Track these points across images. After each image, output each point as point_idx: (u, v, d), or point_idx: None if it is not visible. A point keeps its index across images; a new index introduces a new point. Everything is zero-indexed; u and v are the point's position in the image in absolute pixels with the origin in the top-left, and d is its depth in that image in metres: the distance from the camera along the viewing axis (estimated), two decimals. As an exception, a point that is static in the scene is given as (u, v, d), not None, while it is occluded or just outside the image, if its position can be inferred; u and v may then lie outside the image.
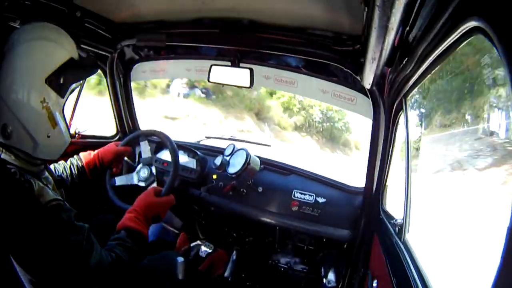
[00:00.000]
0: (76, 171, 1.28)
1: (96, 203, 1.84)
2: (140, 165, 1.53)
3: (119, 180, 1.50)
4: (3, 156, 0.82)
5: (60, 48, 0.86)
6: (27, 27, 0.85)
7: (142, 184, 1.50)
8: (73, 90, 0.93)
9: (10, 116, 0.79)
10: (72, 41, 0.90)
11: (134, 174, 1.52)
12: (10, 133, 0.80)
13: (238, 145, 1.79)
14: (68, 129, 0.94)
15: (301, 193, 1.63)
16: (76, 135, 1.77)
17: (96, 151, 1.38)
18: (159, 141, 1.80)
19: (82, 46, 1.55)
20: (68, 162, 1.29)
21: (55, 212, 0.78)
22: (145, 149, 1.53)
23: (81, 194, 1.29)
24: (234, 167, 1.66)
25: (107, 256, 0.85)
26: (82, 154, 1.34)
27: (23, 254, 0.75)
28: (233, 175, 1.64)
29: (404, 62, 0.93)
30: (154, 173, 1.52)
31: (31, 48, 0.82)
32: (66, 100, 0.91)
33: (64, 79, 0.86)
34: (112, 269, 0.84)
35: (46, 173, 0.94)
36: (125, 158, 1.56)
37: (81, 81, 0.94)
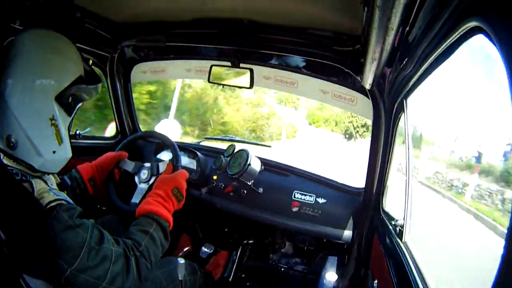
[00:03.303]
0: (77, 187, 1.26)
1: (97, 204, 1.84)
2: (136, 178, 1.51)
3: (136, 198, 1.46)
4: (5, 161, 0.81)
5: (71, 65, 0.86)
6: (37, 33, 0.84)
7: (151, 181, 1.46)
8: (78, 109, 0.92)
9: (17, 128, 0.78)
10: (79, 55, 0.90)
11: (140, 185, 1.48)
12: (15, 144, 0.79)
13: (239, 146, 1.79)
14: (70, 144, 0.93)
15: (302, 194, 1.63)
16: (77, 136, 1.77)
17: (93, 163, 1.34)
18: (159, 142, 1.81)
19: (81, 46, 1.56)
20: (67, 178, 1.25)
21: (55, 213, 0.77)
22: (126, 164, 1.49)
23: (82, 196, 1.29)
24: (235, 168, 1.66)
25: (119, 246, 0.84)
26: (80, 168, 1.30)
27: (24, 255, 0.74)
28: (234, 176, 1.64)
29: (404, 62, 0.93)
30: (151, 166, 1.50)
31: (45, 60, 0.81)
32: (72, 118, 0.91)
33: (72, 98, 0.86)
34: (126, 256, 0.84)
35: (48, 176, 0.94)
36: (125, 164, 1.51)
37: (86, 100, 0.93)
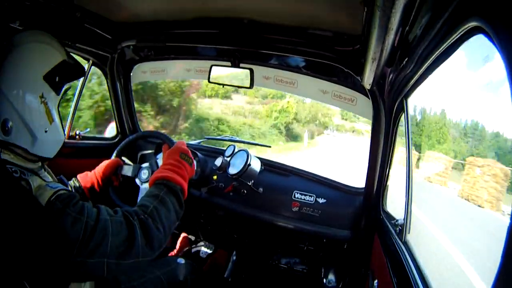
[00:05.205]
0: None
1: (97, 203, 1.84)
2: (137, 180, 1.51)
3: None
4: (3, 156, 0.82)
5: (55, 51, 0.94)
6: (26, 32, 0.91)
7: None
8: (66, 90, 1.00)
9: (11, 111, 0.83)
10: (63, 47, 0.97)
11: (142, 186, 1.48)
12: (10, 129, 0.83)
13: (239, 146, 1.79)
14: (63, 128, 0.98)
15: (302, 194, 1.63)
16: (77, 136, 1.77)
17: (92, 172, 1.35)
18: (159, 142, 1.81)
19: (81, 46, 1.56)
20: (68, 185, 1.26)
21: (53, 205, 0.77)
22: (125, 170, 1.48)
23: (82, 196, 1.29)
24: (235, 167, 1.66)
25: (118, 215, 0.82)
26: (79, 176, 1.31)
27: (23, 253, 0.74)
28: (234, 176, 1.64)
29: (404, 62, 0.93)
30: (151, 164, 1.49)
31: (31, 48, 0.89)
32: (60, 99, 0.97)
33: (59, 77, 0.93)
34: (128, 223, 0.81)
35: (45, 172, 0.94)
36: (124, 170, 1.49)
37: (72, 82, 1.02)
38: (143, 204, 0.88)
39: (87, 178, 1.31)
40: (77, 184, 1.29)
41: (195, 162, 1.12)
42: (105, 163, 1.39)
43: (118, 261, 0.78)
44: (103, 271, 0.77)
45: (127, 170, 1.48)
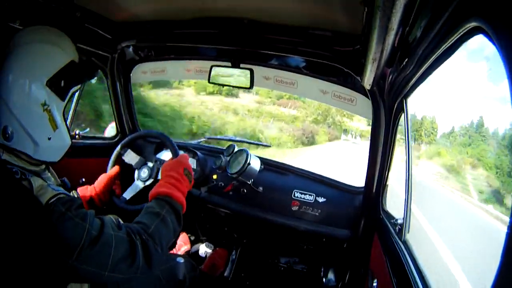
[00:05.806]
0: None
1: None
2: (136, 173, 1.52)
3: (128, 194, 1.47)
4: (4, 157, 0.81)
5: (61, 51, 0.87)
6: (29, 29, 0.85)
7: (148, 182, 1.49)
8: (73, 93, 0.93)
9: (11, 118, 0.79)
10: (73, 45, 0.90)
11: (137, 181, 1.51)
12: (11, 135, 0.80)
13: (238, 145, 1.80)
14: (69, 132, 0.94)
15: (301, 193, 1.64)
16: (77, 136, 1.77)
17: (92, 186, 1.34)
18: (159, 142, 1.81)
19: (81, 46, 1.56)
20: None
21: (53, 207, 0.76)
22: (130, 157, 1.51)
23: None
24: (234, 167, 1.66)
25: (122, 231, 0.81)
26: (79, 190, 1.29)
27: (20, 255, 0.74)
28: (233, 175, 1.64)
29: (404, 62, 0.93)
30: (153, 166, 1.51)
31: (33, 50, 0.83)
32: (66, 103, 0.91)
33: (64, 82, 0.87)
34: (131, 241, 0.81)
35: (48, 174, 0.94)
36: (128, 157, 1.52)
37: (80, 85, 0.95)
38: (145, 223, 0.88)
39: (87, 192, 1.30)
40: (76, 197, 1.26)
41: (193, 180, 1.14)
42: (102, 178, 1.37)
43: (118, 275, 0.78)
44: (103, 280, 0.77)
45: (133, 159, 1.49)
